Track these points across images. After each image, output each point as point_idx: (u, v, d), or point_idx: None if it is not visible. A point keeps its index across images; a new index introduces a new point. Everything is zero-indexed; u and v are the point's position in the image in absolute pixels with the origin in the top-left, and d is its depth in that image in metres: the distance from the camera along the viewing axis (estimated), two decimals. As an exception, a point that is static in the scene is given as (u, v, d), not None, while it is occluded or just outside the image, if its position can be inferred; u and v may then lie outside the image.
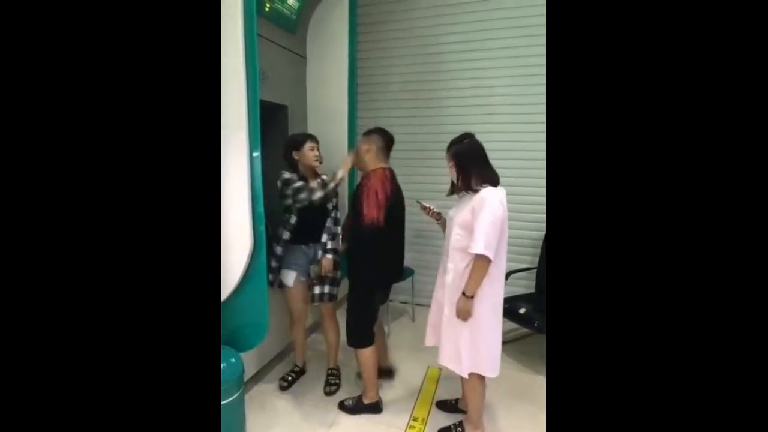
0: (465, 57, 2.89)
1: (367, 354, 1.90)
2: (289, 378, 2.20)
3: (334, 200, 2.05)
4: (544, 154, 2.53)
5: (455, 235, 1.61)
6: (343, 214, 2.22)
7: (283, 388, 2.16)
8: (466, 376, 1.65)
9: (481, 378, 1.70)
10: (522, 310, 2.35)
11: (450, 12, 2.88)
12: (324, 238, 2.01)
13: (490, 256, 1.49)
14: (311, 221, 1.98)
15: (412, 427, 1.90)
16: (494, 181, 1.60)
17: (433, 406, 2.05)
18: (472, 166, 1.60)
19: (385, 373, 2.22)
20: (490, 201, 1.51)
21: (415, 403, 2.07)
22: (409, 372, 2.33)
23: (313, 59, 2.63)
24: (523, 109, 2.76)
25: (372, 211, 1.74)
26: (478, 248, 1.48)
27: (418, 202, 1.93)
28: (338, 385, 2.17)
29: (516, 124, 2.81)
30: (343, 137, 2.63)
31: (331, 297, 2.08)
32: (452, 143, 1.68)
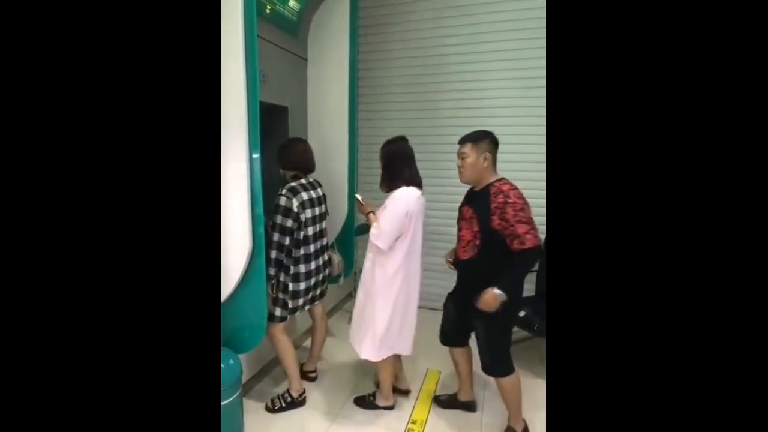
0: (467, 59, 2.89)
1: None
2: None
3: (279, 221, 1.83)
4: (543, 157, 2.53)
5: (372, 229, 1.76)
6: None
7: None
8: (378, 359, 1.81)
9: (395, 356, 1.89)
10: (521, 313, 2.34)
11: (452, 14, 2.88)
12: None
13: (381, 246, 1.68)
14: None
15: (410, 430, 1.89)
16: (413, 183, 1.73)
17: (433, 407, 2.05)
18: (395, 167, 1.73)
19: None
20: (396, 199, 1.68)
21: (414, 405, 2.07)
22: (407, 374, 2.32)
23: (314, 61, 2.63)
24: (524, 111, 2.76)
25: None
26: (372, 235, 1.72)
27: (356, 196, 1.91)
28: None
29: (517, 126, 2.80)
30: (343, 139, 2.64)
31: (271, 317, 1.93)
32: (384, 144, 1.79)
